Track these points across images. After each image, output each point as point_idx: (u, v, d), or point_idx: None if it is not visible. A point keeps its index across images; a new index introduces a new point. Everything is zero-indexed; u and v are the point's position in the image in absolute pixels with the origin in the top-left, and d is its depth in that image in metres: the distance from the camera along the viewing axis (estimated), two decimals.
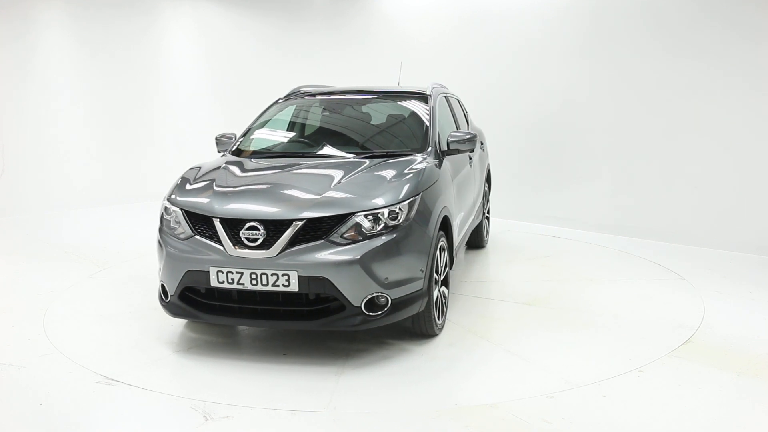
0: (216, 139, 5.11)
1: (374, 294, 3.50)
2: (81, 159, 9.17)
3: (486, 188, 6.43)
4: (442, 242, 4.08)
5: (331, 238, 3.48)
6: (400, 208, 3.62)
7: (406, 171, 3.94)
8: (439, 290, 4.03)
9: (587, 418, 3.03)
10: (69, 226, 7.87)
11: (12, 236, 7.33)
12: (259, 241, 3.50)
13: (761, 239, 6.05)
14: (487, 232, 6.58)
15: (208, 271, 3.56)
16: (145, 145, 9.66)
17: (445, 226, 4.19)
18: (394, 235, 3.55)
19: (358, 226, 3.52)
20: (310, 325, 3.56)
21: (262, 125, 5.10)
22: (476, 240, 6.25)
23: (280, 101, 5.33)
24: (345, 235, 3.49)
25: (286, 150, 4.80)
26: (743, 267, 5.71)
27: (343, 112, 5.23)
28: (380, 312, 3.54)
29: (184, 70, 10.13)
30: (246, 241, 3.52)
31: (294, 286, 3.45)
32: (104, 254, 6.22)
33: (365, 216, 3.54)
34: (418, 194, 3.75)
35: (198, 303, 3.71)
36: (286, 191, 3.79)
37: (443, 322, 4.16)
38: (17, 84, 8.54)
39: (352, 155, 4.38)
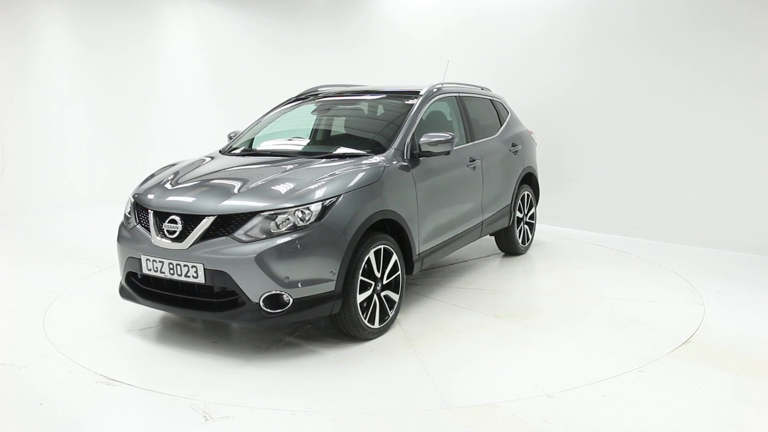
0: (229, 136, 5.38)
1: (272, 291, 3.56)
2: (81, 159, 9.18)
3: (530, 194, 6.23)
4: (384, 245, 4.01)
5: (236, 235, 3.61)
6: (309, 209, 3.65)
7: (334, 172, 3.94)
8: (376, 294, 4.00)
9: (587, 418, 3.03)
10: (69, 226, 7.87)
11: (12, 236, 7.33)
12: (176, 234, 3.72)
13: (761, 239, 6.05)
14: (529, 239, 6.29)
15: (140, 258, 3.85)
16: (145, 145, 9.67)
17: (399, 229, 4.20)
18: (299, 235, 3.59)
19: (263, 224, 3.61)
20: (216, 316, 3.71)
21: (260, 125, 5.29)
22: (508, 246, 6.04)
23: (286, 102, 5.48)
24: (249, 233, 3.60)
25: (264, 149, 4.92)
26: (743, 267, 5.71)
27: (330, 112, 5.30)
28: (281, 310, 3.59)
29: (184, 69, 10.13)
30: (167, 233, 3.75)
31: (201, 278, 3.64)
32: (104, 254, 6.22)
33: (270, 215, 3.62)
34: (338, 196, 3.76)
35: (138, 288, 4.00)
36: (212, 188, 3.96)
37: (384, 327, 4.09)
38: (17, 84, 8.55)
39: (311, 155, 4.47)
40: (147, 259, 3.82)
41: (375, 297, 4.00)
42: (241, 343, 4.04)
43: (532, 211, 6.35)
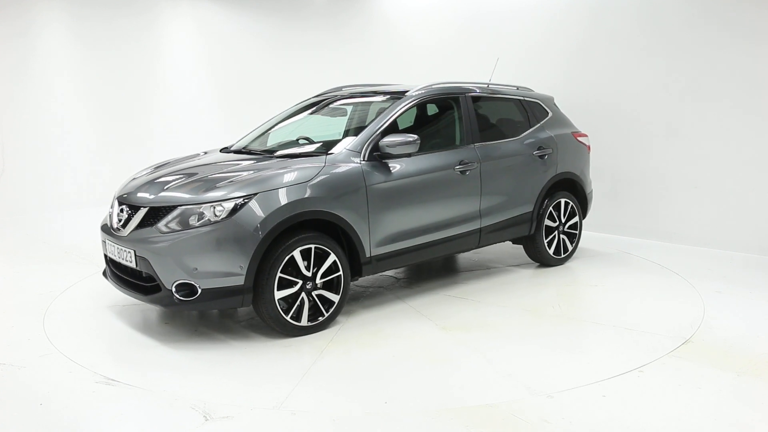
0: None
1: (183, 280, 3.82)
2: (81, 159, 9.18)
3: (571, 202, 5.79)
4: (315, 245, 4.04)
5: (158, 225, 3.94)
6: (222, 205, 3.85)
7: (258, 171, 4.12)
8: (305, 293, 4.06)
9: (587, 418, 3.03)
10: (69, 226, 7.87)
11: (12, 236, 7.33)
12: (122, 222, 4.16)
13: (761, 239, 6.05)
14: (566, 250, 5.80)
15: (105, 242, 4.37)
16: (146, 145, 9.67)
17: (340, 231, 4.24)
18: (208, 230, 3.81)
19: (182, 217, 3.89)
20: (145, 299, 4.04)
21: (264, 124, 5.42)
22: (536, 256, 5.68)
23: (304, 102, 5.58)
24: (169, 224, 3.91)
25: (249, 148, 5.06)
26: (743, 267, 5.71)
27: (322, 112, 5.31)
28: (191, 298, 3.83)
29: (184, 69, 10.14)
30: (118, 221, 4.21)
31: (133, 263, 4.03)
32: None
33: (189, 209, 3.89)
34: (254, 194, 3.90)
35: (110, 270, 4.45)
36: (159, 182, 4.27)
37: (316, 326, 4.12)
38: (17, 84, 8.54)
39: (270, 154, 4.64)
40: (108, 243, 4.31)
41: (304, 295, 4.06)
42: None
43: (574, 220, 5.88)
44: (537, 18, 7.53)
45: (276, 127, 5.33)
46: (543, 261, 5.71)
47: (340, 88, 5.64)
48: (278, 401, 3.22)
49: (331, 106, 5.37)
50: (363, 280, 5.33)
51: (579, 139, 5.98)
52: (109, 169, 9.30)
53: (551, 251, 5.68)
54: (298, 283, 4.02)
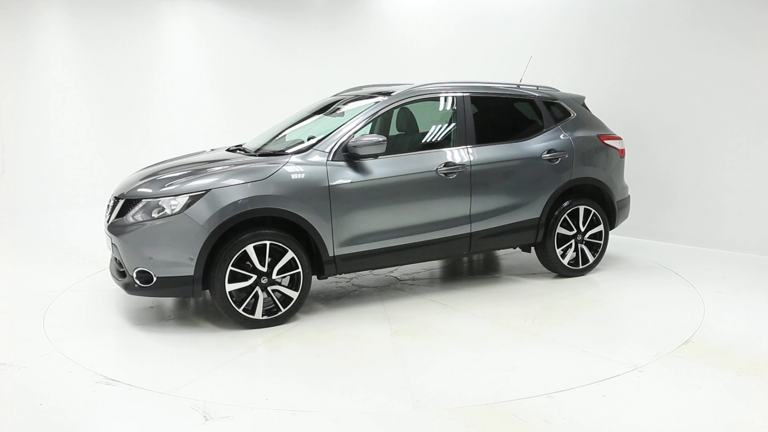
0: None
1: (141, 268, 4.11)
2: (81, 159, 9.18)
3: (595, 210, 5.35)
4: (271, 241, 4.18)
5: (126, 216, 4.23)
6: (176, 200, 4.11)
7: (218, 168, 4.32)
8: (260, 287, 4.21)
9: (587, 418, 3.03)
10: (69, 226, 7.87)
11: (12, 236, 7.33)
12: (109, 212, 4.44)
13: (761, 239, 6.05)
14: (585, 260, 5.37)
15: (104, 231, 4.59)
16: (145, 145, 9.66)
17: (301, 231, 4.34)
18: (163, 222, 4.08)
19: (144, 210, 4.16)
20: (118, 282, 4.36)
21: (281, 124, 5.45)
22: (549, 265, 5.34)
23: (323, 101, 5.60)
24: (134, 216, 4.19)
25: (251, 147, 5.10)
26: (743, 267, 5.71)
27: (319, 111, 5.31)
28: (148, 284, 4.13)
29: (184, 68, 10.13)
30: (107, 210, 4.52)
31: (110, 249, 4.40)
32: (104, 254, 6.21)
33: (149, 202, 4.16)
34: (207, 190, 4.11)
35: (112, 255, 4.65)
36: (141, 177, 4.52)
37: (272, 320, 4.26)
38: (17, 84, 8.54)
39: (248, 153, 4.78)
40: (104, 232, 4.51)
41: (258, 290, 4.22)
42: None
43: (597, 230, 5.40)
44: (537, 17, 7.54)
45: (294, 126, 5.24)
46: (558, 271, 5.35)
47: (360, 87, 5.58)
48: (175, 386, 3.39)
49: (341, 107, 5.33)
50: (360, 280, 5.33)
51: (607, 142, 5.50)
52: (109, 169, 9.28)
53: (566, 261, 5.31)
54: (251, 277, 4.18)
